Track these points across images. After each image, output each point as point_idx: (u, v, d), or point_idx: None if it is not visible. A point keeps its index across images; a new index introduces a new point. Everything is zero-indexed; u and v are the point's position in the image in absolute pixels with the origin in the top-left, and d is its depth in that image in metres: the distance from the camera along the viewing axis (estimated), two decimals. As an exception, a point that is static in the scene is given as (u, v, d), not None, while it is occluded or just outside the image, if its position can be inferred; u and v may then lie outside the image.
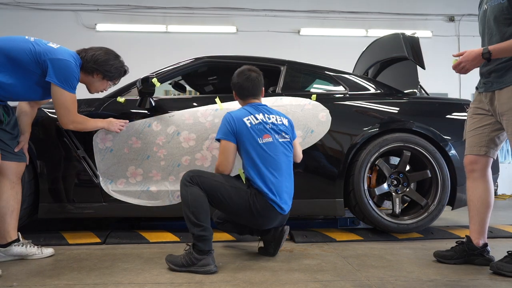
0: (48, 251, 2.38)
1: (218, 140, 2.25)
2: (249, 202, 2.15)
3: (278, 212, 2.21)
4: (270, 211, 2.18)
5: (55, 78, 2.18)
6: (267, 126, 2.25)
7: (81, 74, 2.35)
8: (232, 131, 2.20)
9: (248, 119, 2.23)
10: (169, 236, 2.80)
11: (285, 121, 2.36)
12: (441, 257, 2.20)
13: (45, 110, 2.74)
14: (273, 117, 2.30)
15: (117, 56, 2.45)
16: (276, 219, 2.25)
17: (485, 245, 2.17)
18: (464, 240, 2.21)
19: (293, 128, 2.44)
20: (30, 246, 2.31)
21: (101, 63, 2.36)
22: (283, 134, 2.30)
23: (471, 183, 2.19)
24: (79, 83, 2.37)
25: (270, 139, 2.23)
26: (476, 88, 2.22)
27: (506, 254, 2.03)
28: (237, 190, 2.16)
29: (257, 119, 2.24)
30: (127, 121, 2.66)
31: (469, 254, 2.16)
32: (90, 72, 2.37)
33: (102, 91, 2.54)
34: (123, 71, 2.50)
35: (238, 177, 2.45)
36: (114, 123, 2.58)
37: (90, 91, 2.50)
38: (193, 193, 2.07)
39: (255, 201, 2.15)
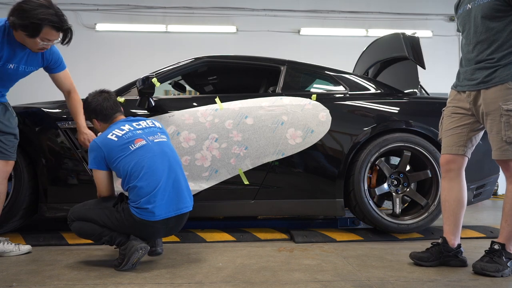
0: (25, 248, 2.40)
1: (91, 170, 2.23)
2: (117, 217, 2.10)
3: (153, 221, 2.06)
4: (144, 223, 2.07)
5: None
6: (137, 132, 2.17)
7: (15, 34, 2.10)
8: (102, 157, 2.12)
9: (112, 134, 2.13)
10: (169, 236, 2.78)
11: (157, 124, 2.32)
12: (418, 259, 2.13)
13: (45, 110, 2.73)
14: (142, 123, 2.25)
15: (42, 5, 2.04)
16: (158, 229, 2.13)
17: (459, 246, 2.13)
18: (440, 241, 2.15)
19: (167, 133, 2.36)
20: (7, 243, 2.34)
21: (21, 16, 2.00)
22: (159, 135, 2.23)
23: (447, 183, 2.16)
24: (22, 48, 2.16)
25: (144, 142, 2.14)
26: (453, 87, 2.21)
27: (484, 253, 2.02)
28: (102, 210, 2.12)
29: (122, 130, 2.16)
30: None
31: (444, 256, 2.11)
32: (15, 28, 2.06)
33: (41, 50, 2.19)
34: (44, 23, 2.04)
35: (109, 198, 2.21)
36: (87, 135, 2.42)
37: (32, 50, 2.19)
38: (77, 228, 2.16)
39: (123, 215, 2.10)
